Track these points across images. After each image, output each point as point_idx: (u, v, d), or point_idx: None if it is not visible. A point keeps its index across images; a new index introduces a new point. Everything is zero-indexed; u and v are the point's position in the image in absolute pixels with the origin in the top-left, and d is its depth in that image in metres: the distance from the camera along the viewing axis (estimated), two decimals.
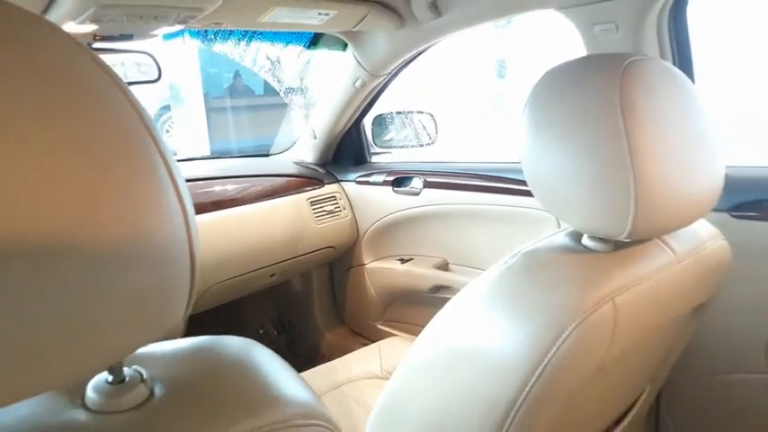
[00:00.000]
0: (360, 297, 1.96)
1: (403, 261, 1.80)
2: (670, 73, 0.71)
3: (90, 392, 0.37)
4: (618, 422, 0.98)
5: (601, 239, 0.74)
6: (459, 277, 1.65)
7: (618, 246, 0.74)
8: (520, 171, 1.48)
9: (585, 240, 0.75)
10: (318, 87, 1.92)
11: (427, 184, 1.68)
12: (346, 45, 1.58)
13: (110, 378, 0.37)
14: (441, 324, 0.76)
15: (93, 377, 0.37)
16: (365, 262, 1.91)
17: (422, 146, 1.89)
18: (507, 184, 1.52)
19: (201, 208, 1.49)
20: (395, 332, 1.85)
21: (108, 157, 0.30)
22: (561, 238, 0.78)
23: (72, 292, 0.28)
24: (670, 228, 0.73)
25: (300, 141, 1.99)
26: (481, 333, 0.71)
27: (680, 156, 0.70)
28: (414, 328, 1.79)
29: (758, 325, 1.08)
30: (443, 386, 0.74)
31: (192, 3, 0.97)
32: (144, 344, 0.34)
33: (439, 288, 1.69)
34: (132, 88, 0.34)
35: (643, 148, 0.65)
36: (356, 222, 1.90)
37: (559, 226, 1.40)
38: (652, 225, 0.69)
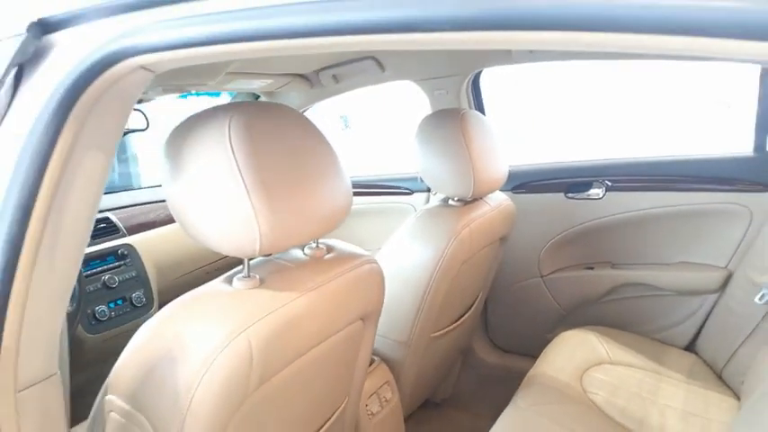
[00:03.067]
0: None
1: None
2: (478, 117, 1.50)
3: (306, 249, 1.00)
4: (467, 310, 1.75)
5: (458, 200, 1.50)
6: None
7: (465, 203, 1.51)
8: (391, 180, 2.26)
9: (450, 202, 1.51)
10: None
11: None
12: (258, 96, 2.20)
13: (313, 244, 1.01)
14: (387, 251, 1.46)
15: (309, 243, 1.00)
16: None
17: None
18: (383, 189, 2.26)
19: (162, 222, 1.99)
20: None
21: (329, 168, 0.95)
22: (438, 202, 1.53)
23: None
24: (484, 193, 1.52)
25: None
26: (410, 251, 1.42)
27: (488, 161, 1.48)
28: None
29: (533, 250, 1.96)
30: (399, 279, 1.44)
31: (200, 81, 1.55)
32: (334, 228, 0.99)
33: None
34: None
35: (476, 157, 1.42)
36: None
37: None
38: (480, 191, 1.46)
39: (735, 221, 1.70)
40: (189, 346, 0.76)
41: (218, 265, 2.23)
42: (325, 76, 1.89)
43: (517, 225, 1.90)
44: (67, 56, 0.68)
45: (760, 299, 1.51)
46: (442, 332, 1.57)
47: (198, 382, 0.73)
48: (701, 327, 1.77)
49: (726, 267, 1.73)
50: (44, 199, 0.67)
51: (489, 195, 1.62)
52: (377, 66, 1.80)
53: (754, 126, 1.69)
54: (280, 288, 0.87)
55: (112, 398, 0.80)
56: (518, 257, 1.99)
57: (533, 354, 2.01)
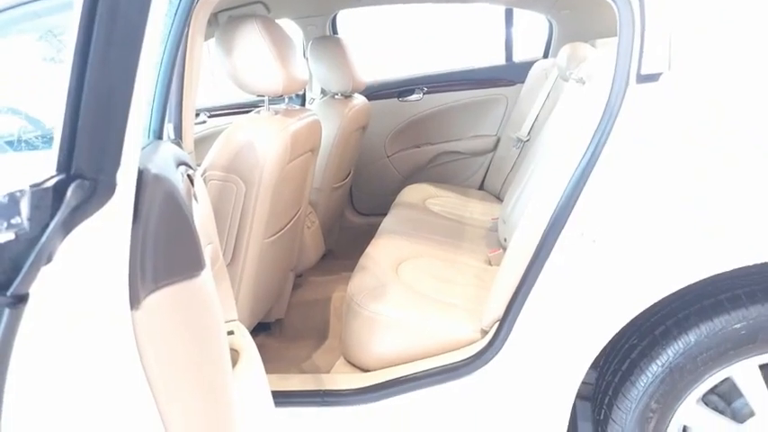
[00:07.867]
0: None
1: None
2: (340, 39, 2.32)
3: (281, 105, 1.75)
4: (346, 177, 2.59)
5: (341, 95, 2.32)
6: None
7: (345, 97, 2.33)
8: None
9: (336, 96, 2.33)
10: None
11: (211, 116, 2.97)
12: None
13: (286, 100, 1.76)
14: None
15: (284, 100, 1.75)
16: None
17: None
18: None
19: None
20: None
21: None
22: (327, 98, 2.33)
23: None
24: (357, 89, 2.35)
25: None
26: None
27: (357, 68, 2.32)
28: None
29: (380, 139, 2.86)
30: None
31: None
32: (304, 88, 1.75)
33: None
34: None
35: (351, 63, 2.24)
36: None
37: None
38: (356, 88, 2.30)
39: (498, 105, 2.79)
40: (259, 137, 1.48)
41: None
42: (223, 17, 2.53)
43: (369, 122, 2.77)
44: None
45: (514, 146, 2.61)
46: (337, 185, 2.40)
47: (267, 151, 1.47)
48: (486, 172, 2.85)
49: (496, 135, 2.82)
50: (189, 51, 1.35)
51: (356, 95, 2.45)
52: (264, 8, 2.50)
53: (504, 48, 2.78)
54: (286, 116, 1.62)
55: (212, 172, 1.49)
56: (371, 145, 2.88)
57: (386, 213, 2.93)
